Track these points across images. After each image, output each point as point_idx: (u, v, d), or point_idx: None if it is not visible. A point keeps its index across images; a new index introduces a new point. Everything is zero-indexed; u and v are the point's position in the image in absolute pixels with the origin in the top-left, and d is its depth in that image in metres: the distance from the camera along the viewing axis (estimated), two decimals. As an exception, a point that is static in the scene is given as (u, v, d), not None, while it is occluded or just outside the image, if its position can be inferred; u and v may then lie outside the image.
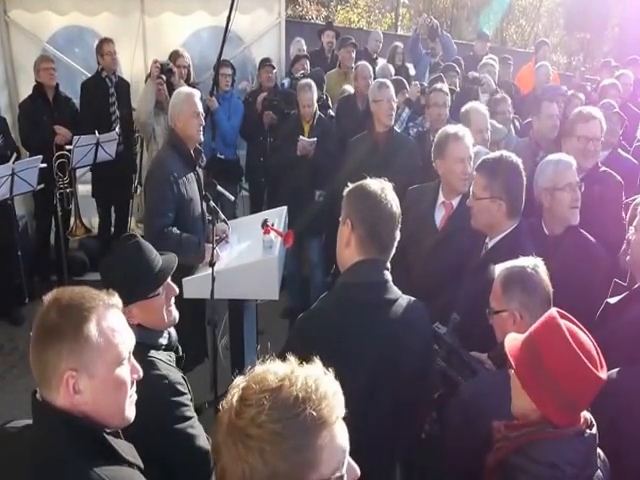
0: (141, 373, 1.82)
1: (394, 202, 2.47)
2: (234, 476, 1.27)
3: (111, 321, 1.72)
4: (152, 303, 2.54)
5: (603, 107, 5.15)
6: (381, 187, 2.47)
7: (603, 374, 1.87)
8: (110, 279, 2.55)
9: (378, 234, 2.44)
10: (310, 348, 2.25)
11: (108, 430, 1.74)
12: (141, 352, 2.21)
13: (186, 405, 2.45)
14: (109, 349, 1.70)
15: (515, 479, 1.90)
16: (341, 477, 1.31)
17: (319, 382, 1.29)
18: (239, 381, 1.33)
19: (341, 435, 1.32)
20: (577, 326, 1.95)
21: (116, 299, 1.78)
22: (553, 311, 1.97)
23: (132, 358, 1.79)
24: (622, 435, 2.28)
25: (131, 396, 1.78)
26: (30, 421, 1.75)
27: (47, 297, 1.72)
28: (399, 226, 2.48)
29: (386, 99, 5.25)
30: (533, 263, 2.52)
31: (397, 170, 4.78)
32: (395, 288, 2.49)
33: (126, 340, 1.76)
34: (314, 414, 1.25)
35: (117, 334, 1.72)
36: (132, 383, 1.78)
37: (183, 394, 2.46)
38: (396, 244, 2.49)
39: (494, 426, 2.05)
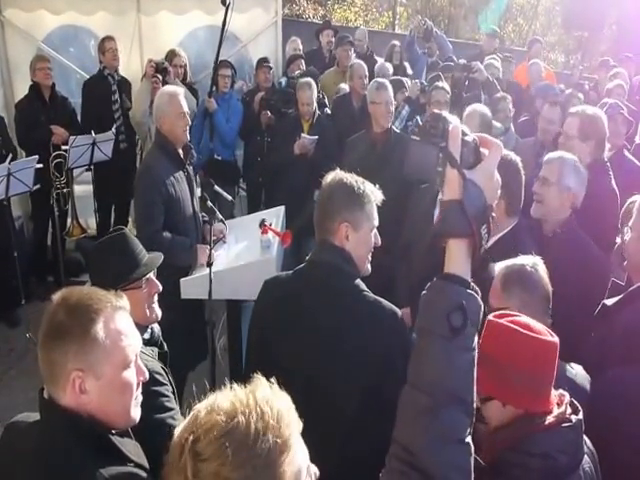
0: (147, 375, 1.82)
1: (330, 193, 2.57)
2: None
3: (119, 323, 1.73)
4: (133, 295, 2.51)
5: (610, 107, 5.10)
6: (332, 177, 2.61)
7: (551, 338, 1.86)
8: (94, 264, 2.62)
9: (315, 219, 2.63)
10: (259, 309, 2.49)
11: (114, 430, 1.74)
12: None
13: (166, 396, 2.42)
14: (116, 351, 1.71)
15: (511, 475, 1.87)
16: None
17: (272, 403, 1.18)
18: (183, 434, 1.17)
19: (300, 447, 1.23)
20: (515, 315, 1.95)
21: (124, 301, 1.79)
22: (489, 315, 1.96)
23: (139, 360, 1.79)
24: (621, 435, 2.26)
25: (136, 397, 1.78)
26: (32, 420, 1.77)
27: (55, 297, 1.73)
28: (333, 215, 2.54)
29: (384, 101, 5.21)
30: (532, 262, 2.52)
31: (395, 169, 4.76)
32: (344, 274, 2.53)
33: (133, 343, 1.76)
34: (278, 441, 1.15)
35: (124, 337, 1.73)
36: (138, 385, 1.79)
37: (162, 384, 2.44)
38: (330, 228, 2.55)
39: (483, 429, 2.03)
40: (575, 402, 1.95)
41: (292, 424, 1.19)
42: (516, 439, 1.88)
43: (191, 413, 1.19)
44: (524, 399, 1.87)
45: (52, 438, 1.67)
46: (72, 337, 1.65)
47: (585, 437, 1.97)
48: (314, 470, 1.29)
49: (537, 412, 1.88)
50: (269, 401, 1.17)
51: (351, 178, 2.59)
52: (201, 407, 1.17)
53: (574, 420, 1.88)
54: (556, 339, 1.87)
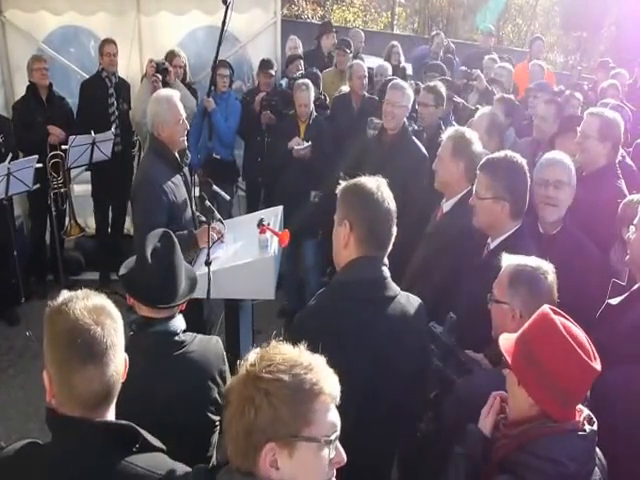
0: None
1: (390, 199, 2.47)
2: (239, 419, 1.47)
3: None
4: None
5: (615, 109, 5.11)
6: (376, 185, 2.47)
7: (597, 365, 1.88)
8: (132, 285, 2.63)
9: (376, 232, 2.44)
10: (310, 346, 2.26)
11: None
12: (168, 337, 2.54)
13: None
14: None
15: (519, 476, 1.90)
16: (329, 442, 1.49)
17: (322, 365, 1.54)
18: (255, 350, 1.58)
19: (334, 414, 1.53)
20: (569, 321, 1.97)
21: None
22: (546, 307, 1.98)
23: None
24: (620, 439, 2.27)
25: None
26: (26, 440, 1.76)
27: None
28: (395, 222, 2.48)
29: (386, 100, 5.15)
30: (545, 268, 2.51)
31: (393, 172, 4.75)
32: (393, 284, 2.49)
33: None
34: (314, 381, 1.48)
35: None
36: None
37: None
38: (393, 240, 2.49)
39: (492, 426, 2.06)
40: (590, 414, 1.97)
41: (333, 389, 1.53)
42: (529, 439, 1.91)
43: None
44: (556, 407, 1.90)
45: (83, 446, 1.69)
46: None
47: (597, 449, 1.99)
48: (342, 454, 1.55)
49: (559, 420, 1.91)
50: (321, 363, 1.55)
51: None
52: (285, 346, 1.59)
53: (588, 430, 1.91)
54: (599, 366, 1.90)
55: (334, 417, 1.52)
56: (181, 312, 2.66)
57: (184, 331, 2.62)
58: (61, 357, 1.67)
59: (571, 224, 3.54)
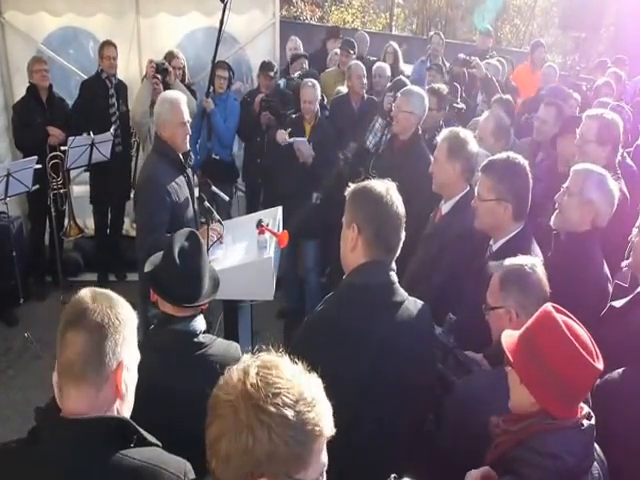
0: None
1: (399, 202, 2.46)
2: (234, 441, 1.36)
3: None
4: None
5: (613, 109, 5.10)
6: (386, 188, 2.46)
7: (600, 365, 1.89)
8: (159, 282, 2.62)
9: (385, 236, 2.43)
10: (316, 350, 2.24)
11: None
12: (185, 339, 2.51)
13: None
14: None
15: (518, 472, 1.91)
16: None
17: (321, 397, 1.43)
18: (250, 358, 1.44)
19: (325, 453, 1.45)
20: (572, 319, 1.97)
21: None
22: (548, 306, 1.99)
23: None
24: (620, 447, 2.26)
25: None
26: (19, 438, 1.75)
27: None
28: (404, 226, 2.47)
29: (394, 105, 5.06)
30: (531, 262, 2.53)
31: (398, 178, 4.73)
32: (401, 290, 2.49)
33: None
34: (316, 421, 1.38)
35: None
36: None
37: None
38: (401, 244, 2.48)
39: (492, 422, 2.06)
40: (590, 410, 1.98)
41: (329, 425, 1.42)
42: (528, 435, 1.92)
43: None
44: (557, 406, 1.91)
45: (77, 442, 1.68)
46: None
47: (596, 445, 2.00)
48: None
49: (555, 415, 1.91)
50: (320, 394, 1.43)
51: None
52: (271, 355, 1.46)
53: (586, 424, 1.92)
54: (601, 366, 1.90)
55: (325, 457, 1.46)
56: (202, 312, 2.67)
57: (204, 332, 2.62)
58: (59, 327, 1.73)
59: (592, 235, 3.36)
